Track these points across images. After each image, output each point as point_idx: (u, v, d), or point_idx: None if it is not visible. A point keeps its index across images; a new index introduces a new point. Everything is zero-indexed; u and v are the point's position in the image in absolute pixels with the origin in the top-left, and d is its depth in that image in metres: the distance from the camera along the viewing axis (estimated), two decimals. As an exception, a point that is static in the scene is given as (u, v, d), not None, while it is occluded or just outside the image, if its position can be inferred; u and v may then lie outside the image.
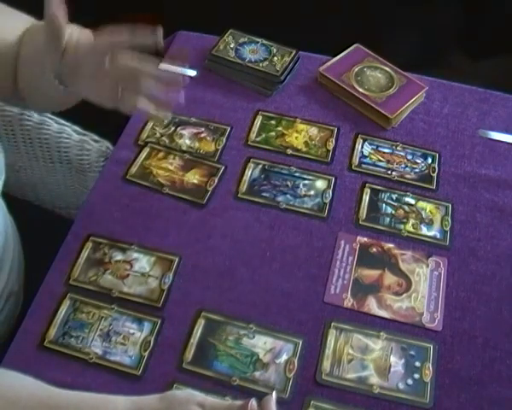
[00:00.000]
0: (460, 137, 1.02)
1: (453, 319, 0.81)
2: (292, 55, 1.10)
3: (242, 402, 0.61)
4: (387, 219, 0.91)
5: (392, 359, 0.77)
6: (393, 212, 0.92)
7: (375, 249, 0.88)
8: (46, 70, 0.79)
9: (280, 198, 0.93)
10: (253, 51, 1.11)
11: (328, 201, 0.93)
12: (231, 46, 1.11)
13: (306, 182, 0.95)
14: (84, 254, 0.86)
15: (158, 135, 1.00)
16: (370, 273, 0.85)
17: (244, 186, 0.94)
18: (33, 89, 0.86)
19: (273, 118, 1.04)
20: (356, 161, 0.98)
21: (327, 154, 0.99)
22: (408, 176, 0.96)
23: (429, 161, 0.98)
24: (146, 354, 0.77)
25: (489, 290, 0.84)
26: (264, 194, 0.93)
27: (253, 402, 0.60)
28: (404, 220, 0.91)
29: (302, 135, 1.01)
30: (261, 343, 0.78)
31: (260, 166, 0.97)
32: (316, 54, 1.13)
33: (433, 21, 1.67)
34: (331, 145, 1.00)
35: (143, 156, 0.97)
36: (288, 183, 0.95)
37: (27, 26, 0.85)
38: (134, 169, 0.95)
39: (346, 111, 1.05)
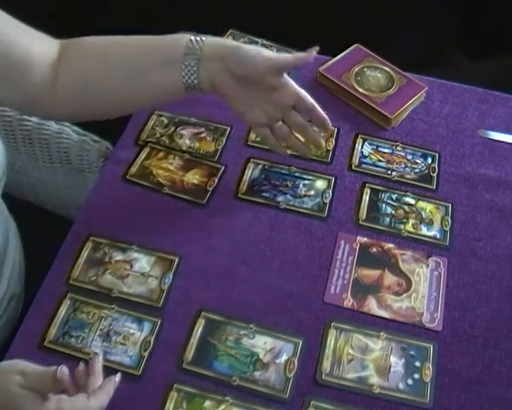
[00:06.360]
0: (460, 137, 1.02)
1: (453, 319, 0.81)
2: (292, 55, 1.10)
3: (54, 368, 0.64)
4: (387, 219, 0.91)
5: (392, 359, 0.77)
6: (393, 212, 0.92)
7: (375, 249, 0.88)
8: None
9: (280, 198, 0.93)
10: (253, 51, 1.11)
11: (328, 201, 0.93)
12: (231, 46, 1.11)
13: (306, 182, 0.95)
14: (84, 254, 0.86)
15: (158, 135, 1.00)
16: (370, 273, 0.85)
17: (244, 186, 0.94)
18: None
19: (273, 118, 1.03)
20: (356, 161, 0.98)
21: (327, 154, 0.99)
22: (408, 176, 0.96)
23: (429, 161, 0.98)
24: (146, 354, 0.77)
25: (489, 290, 0.84)
26: (264, 194, 0.93)
27: (63, 368, 0.64)
28: (404, 220, 0.91)
29: (302, 135, 1.01)
30: (261, 343, 0.78)
31: (260, 166, 0.97)
32: (316, 54, 1.13)
33: (433, 21, 1.67)
34: (331, 145, 1.00)
35: (143, 156, 0.97)
36: (288, 183, 0.95)
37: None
38: (134, 169, 0.95)
39: (346, 111, 1.05)
